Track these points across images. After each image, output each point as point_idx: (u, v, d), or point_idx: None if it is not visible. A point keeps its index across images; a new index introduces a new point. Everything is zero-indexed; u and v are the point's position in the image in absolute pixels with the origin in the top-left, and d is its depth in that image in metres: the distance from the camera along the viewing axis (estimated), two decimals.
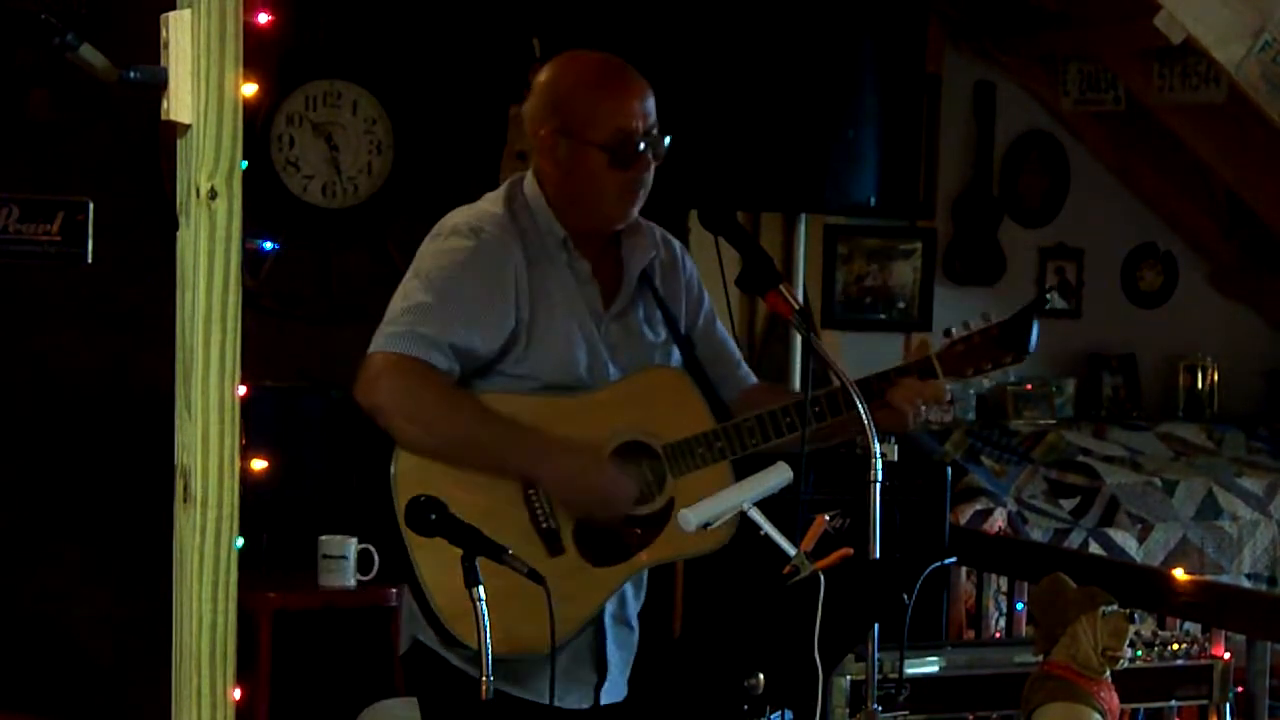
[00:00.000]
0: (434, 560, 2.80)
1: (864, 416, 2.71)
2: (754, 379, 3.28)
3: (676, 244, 3.23)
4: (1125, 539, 5.68)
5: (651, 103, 3.05)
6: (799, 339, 4.52)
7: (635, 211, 3.08)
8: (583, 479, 2.93)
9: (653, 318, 3.14)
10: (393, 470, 2.92)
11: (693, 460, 3.00)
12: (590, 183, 3.01)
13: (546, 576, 2.81)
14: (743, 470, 2.92)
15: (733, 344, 3.26)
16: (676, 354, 3.15)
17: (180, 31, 1.81)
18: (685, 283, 3.21)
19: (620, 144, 2.99)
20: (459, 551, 2.54)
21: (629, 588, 3.09)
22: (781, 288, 2.88)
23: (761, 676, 2.51)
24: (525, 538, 2.91)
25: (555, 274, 3.02)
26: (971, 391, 3.19)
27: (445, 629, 2.87)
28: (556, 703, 2.87)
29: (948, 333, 3.13)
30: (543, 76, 3.09)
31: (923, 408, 3.05)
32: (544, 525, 2.94)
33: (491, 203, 3.07)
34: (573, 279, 3.04)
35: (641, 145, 3.00)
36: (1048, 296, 3.22)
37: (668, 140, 3.06)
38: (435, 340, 2.89)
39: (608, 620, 3.06)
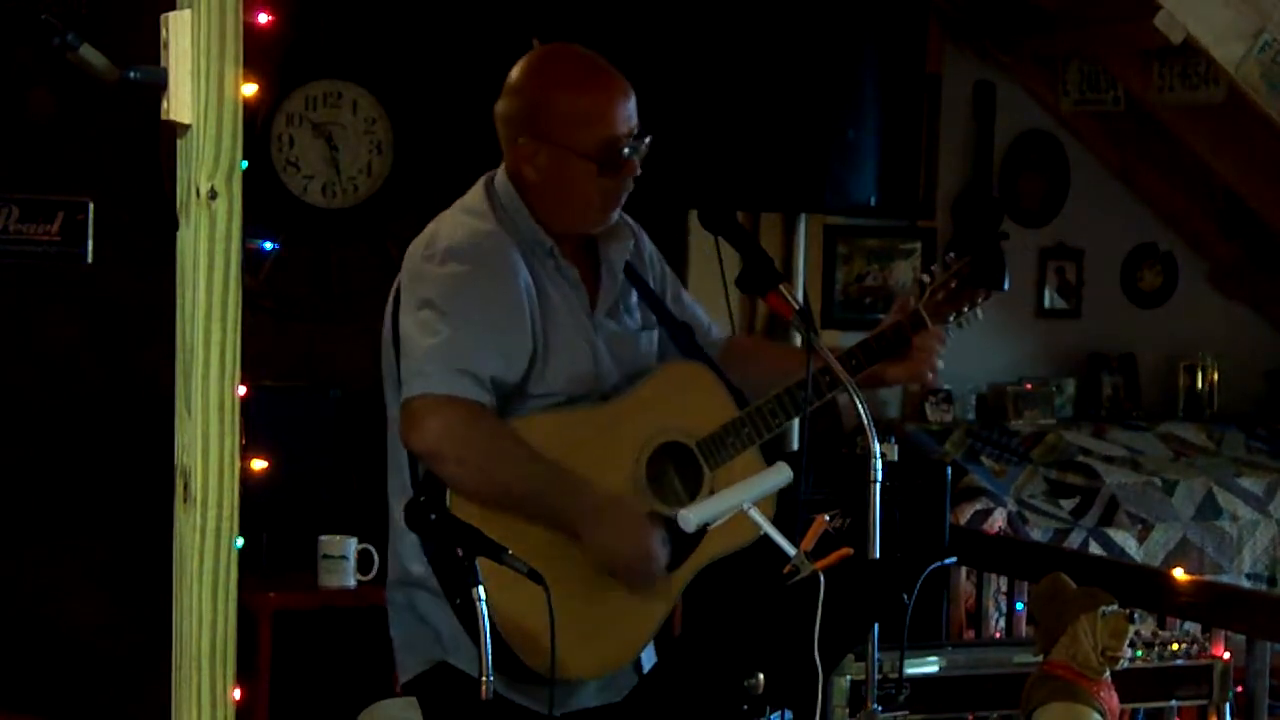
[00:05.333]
0: (500, 592, 2.67)
1: (864, 416, 2.71)
2: (721, 336, 3.25)
3: (634, 223, 3.14)
4: (1125, 539, 5.68)
5: (633, 103, 2.97)
6: (799, 339, 4.52)
7: (617, 214, 3.03)
8: (619, 547, 2.88)
9: (630, 305, 3.11)
10: (449, 499, 2.85)
11: (725, 451, 2.99)
12: (575, 192, 2.95)
13: (604, 598, 2.88)
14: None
15: (699, 309, 3.22)
16: (658, 337, 3.13)
17: (180, 31, 1.81)
18: (649, 260, 3.17)
19: (607, 153, 2.92)
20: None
21: None
22: (781, 288, 2.87)
23: (761, 676, 2.50)
24: (578, 562, 2.87)
25: (550, 283, 2.97)
26: (950, 331, 3.21)
27: (522, 665, 2.81)
28: (593, 703, 2.95)
29: (921, 283, 3.14)
30: (516, 76, 2.99)
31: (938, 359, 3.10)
32: None
33: (478, 216, 2.97)
34: (565, 285, 2.99)
35: (626, 151, 2.94)
36: (1005, 232, 3.33)
37: (648, 139, 2.98)
38: (477, 377, 2.82)
39: None
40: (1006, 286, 3.18)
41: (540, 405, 2.93)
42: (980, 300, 3.16)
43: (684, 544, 2.94)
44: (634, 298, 3.11)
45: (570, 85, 2.95)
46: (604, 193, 2.97)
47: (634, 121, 2.96)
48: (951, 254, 3.17)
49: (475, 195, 3.02)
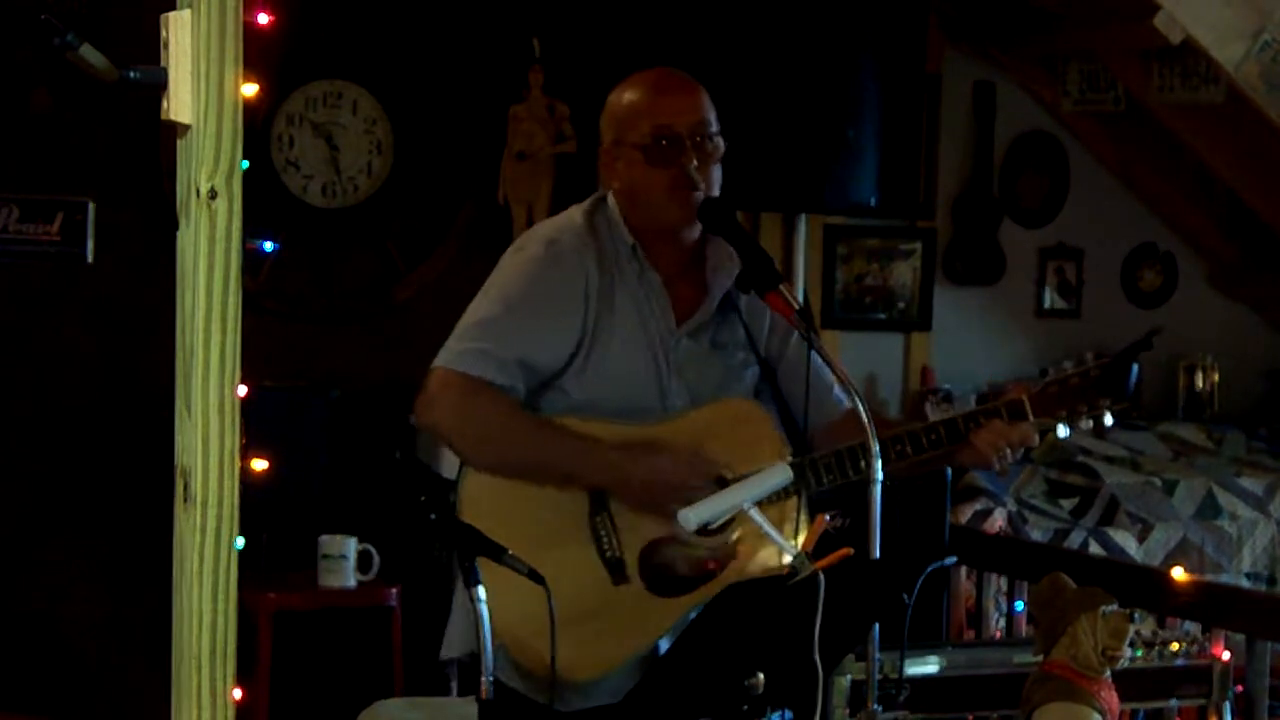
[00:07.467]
0: (496, 593, 2.62)
1: (864, 416, 2.70)
2: (845, 406, 3.08)
3: None
4: (1125, 539, 5.68)
5: (700, 102, 3.03)
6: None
7: (693, 209, 3.01)
8: (654, 478, 2.89)
9: (732, 339, 3.09)
10: (458, 494, 2.91)
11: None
12: (638, 186, 3.01)
13: (609, 605, 2.87)
14: None
15: (828, 371, 2.96)
16: (752, 376, 3.10)
17: (180, 31, 1.81)
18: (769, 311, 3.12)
19: (656, 141, 2.98)
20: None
21: None
22: (781, 288, 2.87)
23: (761, 676, 2.51)
24: (590, 567, 2.90)
25: (626, 285, 3.01)
26: (1063, 435, 3.05)
27: (511, 659, 2.85)
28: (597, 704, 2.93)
29: (1044, 372, 3.05)
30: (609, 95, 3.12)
31: (1008, 452, 2.95)
32: (608, 555, 2.91)
33: (575, 213, 3.08)
34: (642, 291, 3.02)
35: (682, 142, 2.98)
36: (1154, 338, 3.07)
37: (718, 141, 3.03)
38: (498, 357, 2.90)
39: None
40: (1130, 394, 2.97)
41: (577, 409, 2.95)
42: (1104, 405, 2.97)
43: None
44: (742, 334, 3.10)
45: (633, 88, 3.06)
46: (663, 184, 2.99)
47: (698, 118, 3.01)
48: (1093, 359, 3.03)
49: (587, 200, 3.12)
